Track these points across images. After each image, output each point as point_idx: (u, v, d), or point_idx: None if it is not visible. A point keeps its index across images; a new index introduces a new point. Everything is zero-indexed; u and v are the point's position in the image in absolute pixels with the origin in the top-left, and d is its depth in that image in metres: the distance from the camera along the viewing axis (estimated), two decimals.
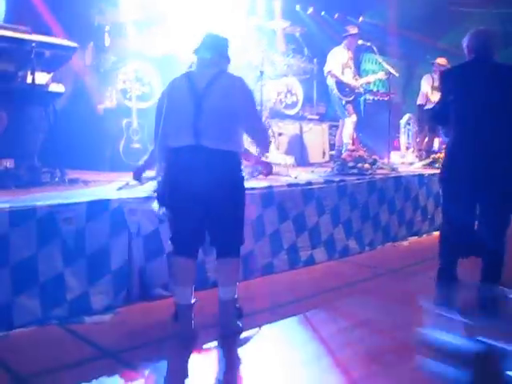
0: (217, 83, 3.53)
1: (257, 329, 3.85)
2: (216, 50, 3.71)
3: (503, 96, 3.97)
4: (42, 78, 5.29)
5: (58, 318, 3.83)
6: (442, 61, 9.87)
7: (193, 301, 3.63)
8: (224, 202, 3.52)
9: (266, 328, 3.89)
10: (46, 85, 5.34)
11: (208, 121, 3.46)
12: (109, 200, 4.21)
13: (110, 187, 4.97)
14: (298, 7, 11.28)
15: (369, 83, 8.77)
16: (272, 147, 7.22)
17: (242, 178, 3.67)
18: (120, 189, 4.74)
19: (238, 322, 3.76)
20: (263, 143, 4.06)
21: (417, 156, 9.82)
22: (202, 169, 3.44)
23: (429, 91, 9.75)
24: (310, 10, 11.59)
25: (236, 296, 3.71)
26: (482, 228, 4.05)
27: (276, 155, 7.53)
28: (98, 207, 4.13)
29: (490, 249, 4.01)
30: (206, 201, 3.50)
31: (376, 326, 4.00)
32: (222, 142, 3.47)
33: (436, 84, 9.81)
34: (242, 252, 3.81)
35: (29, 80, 5.04)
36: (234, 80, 3.63)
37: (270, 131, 6.93)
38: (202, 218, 3.58)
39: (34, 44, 4.98)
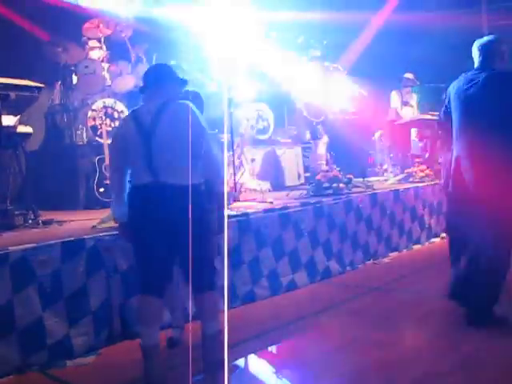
0: (162, 116, 3.40)
1: (242, 359, 3.80)
2: (160, 79, 3.57)
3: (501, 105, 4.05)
4: (8, 120, 5.24)
5: (39, 364, 3.75)
6: (409, 75, 10.04)
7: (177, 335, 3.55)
8: (189, 236, 3.31)
9: (251, 358, 3.84)
10: (14, 126, 5.29)
11: (161, 158, 3.36)
12: (83, 239, 4.16)
13: (85, 226, 4.92)
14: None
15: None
16: (246, 174, 7.22)
17: (207, 209, 3.50)
18: (94, 227, 4.69)
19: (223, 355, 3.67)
20: (212, 175, 3.55)
21: (391, 171, 9.89)
22: (164, 205, 3.34)
23: (398, 106, 9.87)
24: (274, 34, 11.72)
25: (220, 328, 3.55)
26: None
27: (251, 181, 7.54)
28: (73, 247, 4.08)
29: None
30: (171, 237, 3.39)
31: (364, 346, 3.99)
32: (180, 177, 3.33)
33: (405, 99, 9.96)
34: (220, 282, 3.67)
35: None
36: (178, 109, 3.45)
37: (242, 157, 6.92)
38: (168, 255, 3.46)
39: None
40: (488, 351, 3.70)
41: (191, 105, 3.47)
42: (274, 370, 3.76)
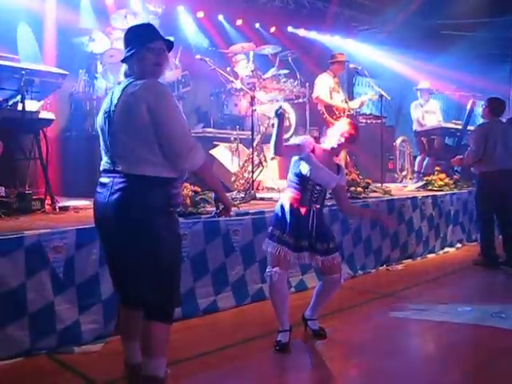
0: (123, 95, 2.83)
1: None
2: (132, 47, 2.93)
3: None
4: (32, 105, 5.29)
5: (47, 349, 3.79)
6: (425, 84, 9.98)
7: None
8: (131, 248, 2.79)
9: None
10: (37, 112, 5.33)
11: (118, 141, 2.83)
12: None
13: None
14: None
15: (362, 106, 8.78)
16: (265, 172, 7.22)
17: (152, 209, 2.77)
18: None
19: None
20: (179, 154, 2.80)
21: (411, 178, 9.84)
22: (110, 200, 2.80)
23: (419, 116, 9.80)
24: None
25: (161, 375, 2.83)
26: None
27: (269, 180, 7.54)
28: (87, 235, 4.09)
29: None
30: (110, 239, 2.93)
31: (372, 354, 3.98)
32: (133, 165, 2.78)
33: (426, 108, 9.88)
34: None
35: (19, 107, 5.03)
36: (141, 87, 2.79)
37: (261, 156, 6.91)
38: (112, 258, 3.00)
39: (23, 72, 4.99)
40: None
41: (159, 83, 2.87)
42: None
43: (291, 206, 4.00)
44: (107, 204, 2.80)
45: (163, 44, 2.98)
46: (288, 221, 3.98)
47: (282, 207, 4.06)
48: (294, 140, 4.22)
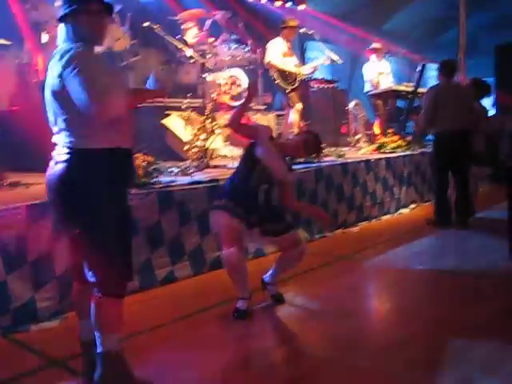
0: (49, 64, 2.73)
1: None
2: (67, 6, 2.75)
3: None
4: None
5: (2, 328, 3.72)
6: (377, 45, 10.06)
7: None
8: (73, 221, 2.78)
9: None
10: None
11: (54, 114, 2.76)
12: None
13: None
14: None
15: (314, 71, 8.73)
16: (218, 140, 7.16)
17: (99, 182, 2.70)
18: None
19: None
20: (82, 104, 2.59)
21: (365, 141, 9.91)
22: (52, 173, 2.78)
23: (372, 78, 9.88)
24: None
25: (114, 350, 2.77)
26: None
27: (223, 148, 7.49)
28: (39, 210, 4.01)
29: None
30: (59, 215, 2.87)
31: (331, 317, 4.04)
32: (65, 137, 2.71)
33: (379, 69, 9.95)
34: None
35: None
36: (59, 55, 2.68)
37: (214, 124, 6.84)
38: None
39: None
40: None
41: (80, 50, 2.66)
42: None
43: (239, 182, 4.08)
44: (50, 177, 2.78)
45: (101, 6, 2.80)
46: (237, 194, 4.05)
47: (232, 180, 4.16)
48: (256, 122, 4.24)
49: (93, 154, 2.69)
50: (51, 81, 2.71)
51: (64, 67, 2.61)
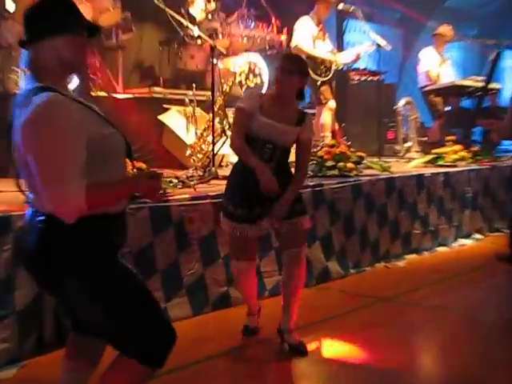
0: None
1: None
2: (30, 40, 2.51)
3: None
4: None
5: None
6: (445, 30, 9.97)
7: None
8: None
9: None
10: None
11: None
12: (10, 216, 4.11)
13: (17, 199, 4.86)
14: None
15: (356, 60, 8.73)
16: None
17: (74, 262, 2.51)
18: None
19: None
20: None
21: (417, 151, 9.91)
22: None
23: (431, 69, 9.82)
24: None
25: None
26: None
27: (234, 154, 7.50)
28: None
29: None
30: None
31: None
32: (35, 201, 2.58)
33: (443, 59, 9.92)
34: None
35: None
36: (28, 107, 2.39)
37: (225, 123, 6.88)
38: None
39: None
40: None
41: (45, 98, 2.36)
42: None
43: (239, 167, 4.31)
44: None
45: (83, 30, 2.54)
46: (238, 187, 4.27)
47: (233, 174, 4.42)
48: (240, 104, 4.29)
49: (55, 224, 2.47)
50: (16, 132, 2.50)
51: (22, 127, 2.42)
